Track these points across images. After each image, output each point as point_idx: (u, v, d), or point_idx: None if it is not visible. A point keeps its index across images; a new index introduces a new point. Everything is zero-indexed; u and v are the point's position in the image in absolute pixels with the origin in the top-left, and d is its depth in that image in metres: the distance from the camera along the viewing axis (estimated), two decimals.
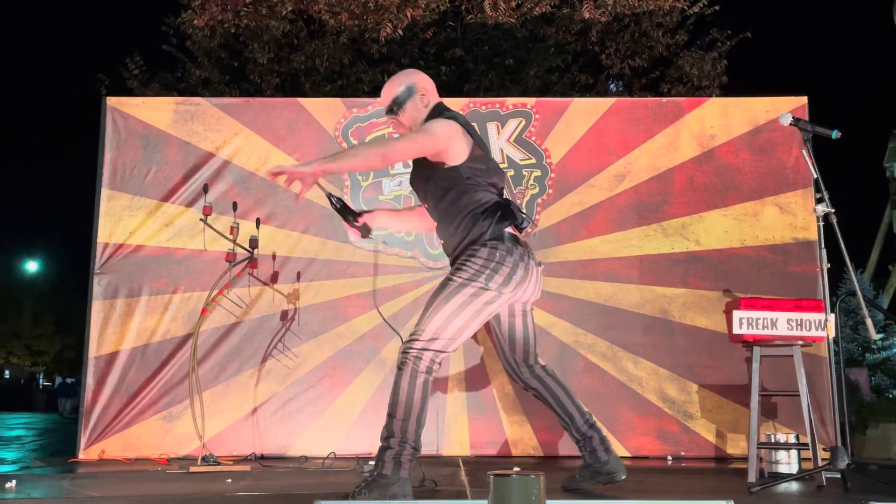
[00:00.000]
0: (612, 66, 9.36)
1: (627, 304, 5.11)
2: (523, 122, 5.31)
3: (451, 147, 2.84)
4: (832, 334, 3.19)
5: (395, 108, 2.99)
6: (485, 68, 9.23)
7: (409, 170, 3.10)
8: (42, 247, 33.57)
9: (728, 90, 8.98)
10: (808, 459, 3.44)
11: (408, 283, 5.12)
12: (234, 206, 4.73)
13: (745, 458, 4.04)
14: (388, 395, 2.80)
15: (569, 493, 2.99)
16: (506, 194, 2.97)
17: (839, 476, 3.11)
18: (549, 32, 9.24)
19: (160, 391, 4.95)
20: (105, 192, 5.15)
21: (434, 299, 2.80)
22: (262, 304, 5.07)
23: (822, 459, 3.19)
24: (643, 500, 2.93)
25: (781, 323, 3.44)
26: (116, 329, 5.01)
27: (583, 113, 5.35)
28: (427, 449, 3.49)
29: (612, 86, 9.67)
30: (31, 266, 32.00)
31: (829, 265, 3.10)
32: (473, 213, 2.85)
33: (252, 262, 4.66)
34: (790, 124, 3.18)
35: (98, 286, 5.04)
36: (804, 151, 3.14)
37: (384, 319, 3.53)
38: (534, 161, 5.27)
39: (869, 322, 3.02)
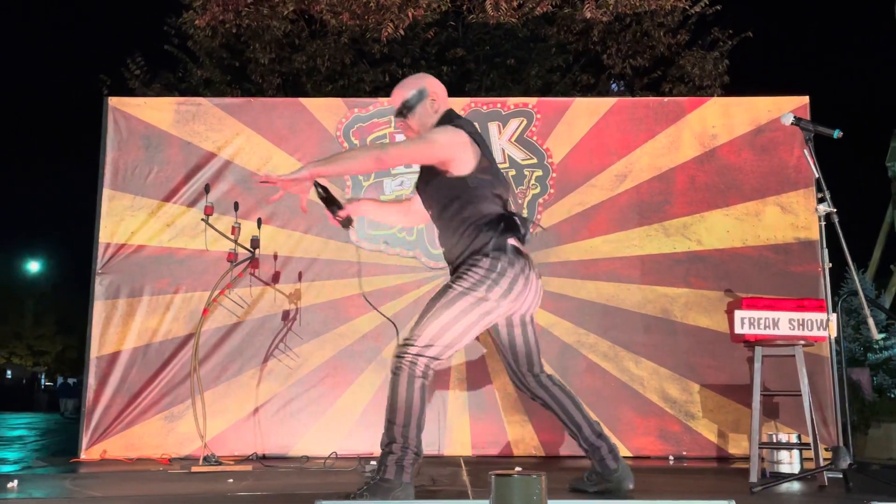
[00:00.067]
0: (614, 66, 9.36)
1: (629, 303, 5.10)
2: (525, 122, 5.31)
3: (456, 156, 2.81)
4: (834, 334, 3.19)
5: (404, 111, 2.97)
6: (486, 68, 9.24)
7: (412, 170, 3.09)
8: (44, 247, 33.56)
9: (729, 90, 8.97)
10: (810, 459, 3.43)
11: (409, 282, 5.12)
12: (236, 206, 4.73)
13: (746, 458, 4.04)
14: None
15: (573, 493, 2.99)
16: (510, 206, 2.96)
17: (841, 476, 3.10)
18: (551, 32, 9.25)
19: (162, 391, 4.96)
20: (107, 192, 5.16)
21: (432, 305, 2.77)
22: (263, 304, 5.07)
23: (824, 459, 3.20)
24: (645, 499, 2.93)
25: (783, 323, 3.44)
26: (118, 329, 5.01)
27: (584, 113, 5.34)
28: (429, 449, 3.50)
29: (613, 85, 9.66)
30: (33, 266, 32.03)
31: (830, 265, 3.10)
32: (477, 223, 2.82)
33: (253, 262, 4.66)
34: (792, 124, 3.17)
35: (100, 286, 5.05)
36: (806, 151, 3.14)
37: (377, 310, 3.55)
38: (535, 161, 5.27)
39: (871, 322, 3.01)
